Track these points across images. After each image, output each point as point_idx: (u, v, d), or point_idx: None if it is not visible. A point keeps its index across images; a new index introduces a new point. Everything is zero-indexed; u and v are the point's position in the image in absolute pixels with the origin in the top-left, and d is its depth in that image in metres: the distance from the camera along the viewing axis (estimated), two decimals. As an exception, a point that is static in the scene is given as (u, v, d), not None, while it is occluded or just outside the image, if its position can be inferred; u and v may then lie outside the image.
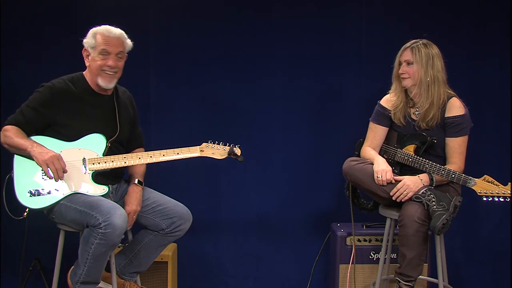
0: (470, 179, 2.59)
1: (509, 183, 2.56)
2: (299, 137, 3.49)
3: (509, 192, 2.55)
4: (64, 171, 2.47)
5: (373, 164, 2.79)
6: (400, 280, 2.63)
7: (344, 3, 3.42)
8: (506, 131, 3.37)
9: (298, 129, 3.49)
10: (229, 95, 3.47)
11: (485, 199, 2.58)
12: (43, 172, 2.49)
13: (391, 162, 2.83)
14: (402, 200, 2.67)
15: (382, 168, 2.73)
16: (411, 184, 2.66)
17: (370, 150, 2.90)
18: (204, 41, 3.43)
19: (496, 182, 2.57)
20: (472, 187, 2.58)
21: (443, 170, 2.65)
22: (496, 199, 2.57)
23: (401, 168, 2.82)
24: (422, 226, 2.58)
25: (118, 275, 2.70)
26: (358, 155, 2.99)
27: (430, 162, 2.68)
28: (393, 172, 2.76)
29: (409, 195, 2.64)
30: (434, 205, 2.57)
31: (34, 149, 2.46)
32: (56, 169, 2.44)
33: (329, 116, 3.47)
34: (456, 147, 2.75)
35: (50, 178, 2.46)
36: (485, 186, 2.57)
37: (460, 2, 3.37)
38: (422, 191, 2.64)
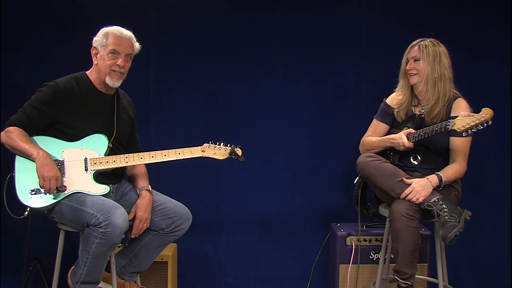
0: (449, 121, 2.58)
1: (482, 109, 2.54)
2: (299, 137, 3.49)
3: (484, 115, 2.51)
4: (63, 189, 2.50)
5: (387, 162, 2.77)
6: (398, 278, 2.63)
7: (344, 3, 3.43)
8: (506, 131, 3.37)
9: (298, 129, 3.49)
10: (229, 95, 3.47)
11: (464, 134, 2.56)
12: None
13: (392, 153, 2.84)
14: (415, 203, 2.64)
15: (397, 139, 2.74)
16: (420, 189, 2.62)
17: (373, 138, 2.91)
18: (204, 41, 3.43)
19: (471, 114, 2.56)
20: (453, 128, 2.57)
21: (429, 129, 2.64)
22: (475, 129, 2.53)
23: (402, 155, 2.82)
24: (411, 221, 2.57)
25: (118, 275, 2.70)
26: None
27: (421, 130, 2.68)
28: (395, 156, 2.81)
29: (420, 199, 2.61)
30: (446, 215, 2.56)
31: (40, 159, 2.45)
32: (50, 187, 2.45)
33: (329, 116, 3.47)
34: (462, 147, 2.75)
35: (41, 187, 2.47)
36: (462, 122, 2.55)
37: (460, 2, 3.37)
38: (433, 199, 2.61)
